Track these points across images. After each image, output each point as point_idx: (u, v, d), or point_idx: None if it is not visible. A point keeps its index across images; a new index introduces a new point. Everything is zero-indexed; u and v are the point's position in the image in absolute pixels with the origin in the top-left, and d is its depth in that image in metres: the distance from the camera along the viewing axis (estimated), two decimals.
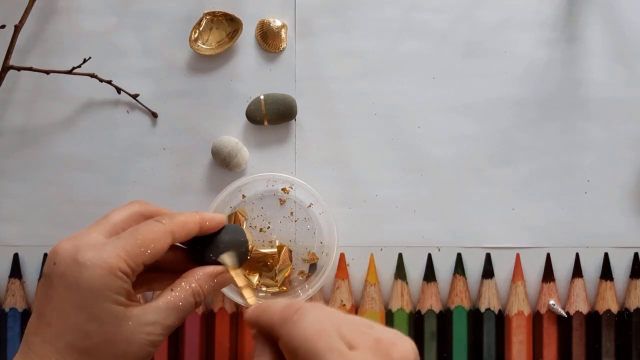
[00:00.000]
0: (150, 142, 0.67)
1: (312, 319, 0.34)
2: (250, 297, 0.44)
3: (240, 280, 0.45)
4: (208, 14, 0.66)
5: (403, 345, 0.34)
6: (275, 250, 0.64)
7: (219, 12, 0.66)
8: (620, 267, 0.65)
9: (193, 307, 0.43)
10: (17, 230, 0.67)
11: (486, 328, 0.64)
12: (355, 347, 0.33)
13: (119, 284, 0.39)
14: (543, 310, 0.64)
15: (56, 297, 0.39)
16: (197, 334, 0.64)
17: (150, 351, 0.41)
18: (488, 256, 0.65)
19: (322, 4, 0.66)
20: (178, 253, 0.47)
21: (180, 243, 0.46)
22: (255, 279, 0.64)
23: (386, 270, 0.65)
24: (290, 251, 0.65)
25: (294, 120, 0.66)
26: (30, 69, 0.64)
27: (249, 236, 0.47)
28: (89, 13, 0.67)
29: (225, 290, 0.62)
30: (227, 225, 0.46)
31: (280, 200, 0.66)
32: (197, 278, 0.43)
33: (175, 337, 0.65)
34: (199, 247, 0.45)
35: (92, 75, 0.65)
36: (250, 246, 0.47)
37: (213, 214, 0.46)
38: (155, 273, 0.46)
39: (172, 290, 0.42)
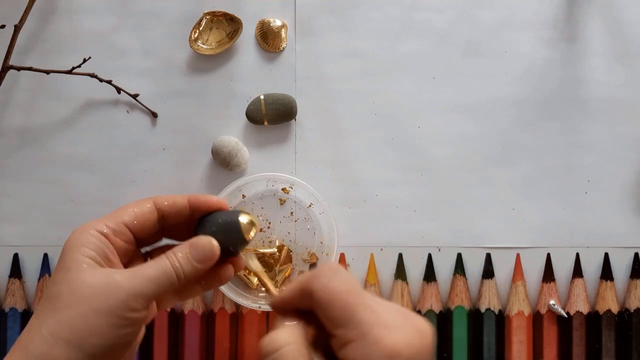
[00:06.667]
0: (150, 142, 0.67)
1: (345, 276, 0.37)
2: (271, 286, 0.43)
3: (257, 267, 0.45)
4: (208, 13, 0.66)
5: (421, 319, 0.37)
6: (275, 250, 0.64)
7: (219, 12, 0.66)
8: (621, 267, 0.65)
9: (173, 278, 0.41)
10: (17, 230, 0.66)
11: (486, 328, 0.64)
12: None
13: (91, 239, 0.41)
14: (543, 311, 0.64)
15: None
16: (197, 334, 0.64)
17: (126, 324, 0.39)
18: (488, 256, 0.65)
19: (322, 3, 0.66)
20: None
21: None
22: (255, 279, 0.64)
23: (386, 270, 0.65)
24: (290, 251, 0.65)
25: (294, 120, 0.66)
26: (30, 69, 0.64)
27: (254, 220, 0.44)
28: (89, 13, 0.67)
29: (225, 290, 0.62)
30: (224, 212, 0.43)
31: (280, 200, 0.66)
32: (177, 248, 0.42)
33: (175, 337, 0.64)
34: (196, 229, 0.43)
35: (92, 75, 0.65)
36: (252, 233, 0.44)
37: (208, 196, 0.44)
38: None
39: (150, 259, 0.42)
